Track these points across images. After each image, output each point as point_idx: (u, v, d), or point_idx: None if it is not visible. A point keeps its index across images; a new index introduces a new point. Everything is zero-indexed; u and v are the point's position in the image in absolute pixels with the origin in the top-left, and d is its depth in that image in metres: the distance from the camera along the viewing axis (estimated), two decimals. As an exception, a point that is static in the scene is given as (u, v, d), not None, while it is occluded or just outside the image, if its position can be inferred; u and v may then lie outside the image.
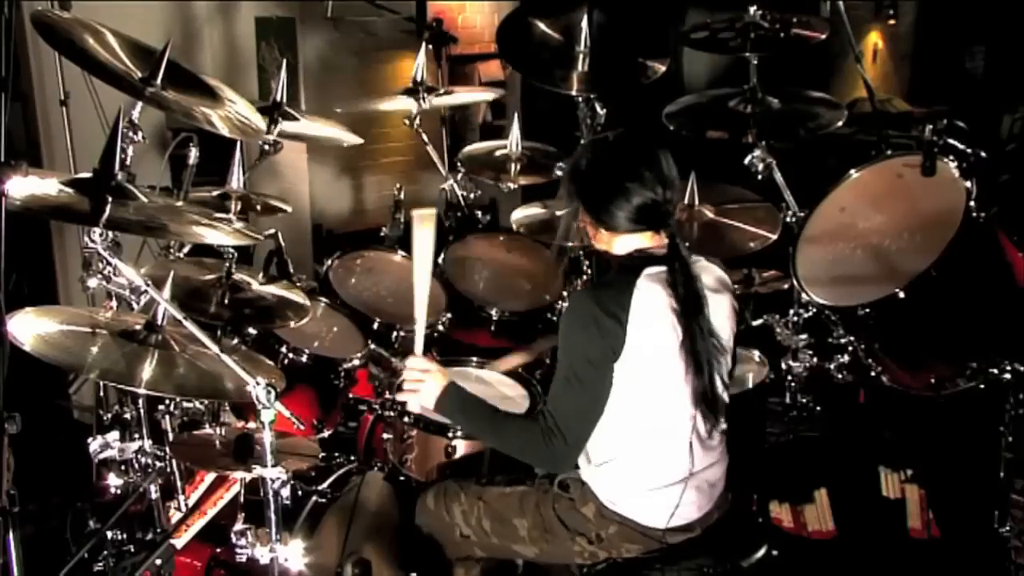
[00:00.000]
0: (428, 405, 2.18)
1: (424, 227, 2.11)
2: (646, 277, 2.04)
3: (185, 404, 2.64)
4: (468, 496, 2.30)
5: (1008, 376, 2.59)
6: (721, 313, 2.13)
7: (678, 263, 2.05)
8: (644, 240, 2.10)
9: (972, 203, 2.65)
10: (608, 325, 1.99)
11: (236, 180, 2.92)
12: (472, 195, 3.51)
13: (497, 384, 2.75)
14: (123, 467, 2.48)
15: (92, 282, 2.34)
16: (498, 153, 3.53)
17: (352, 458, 2.96)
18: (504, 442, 2.18)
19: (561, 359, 2.08)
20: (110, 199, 2.02)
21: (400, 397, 2.24)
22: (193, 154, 2.63)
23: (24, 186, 1.88)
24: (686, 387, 2.07)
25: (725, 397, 2.14)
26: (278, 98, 3.09)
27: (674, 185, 2.08)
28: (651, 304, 2.02)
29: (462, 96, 3.60)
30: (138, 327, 2.14)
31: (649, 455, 2.10)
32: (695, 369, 2.04)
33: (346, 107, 3.69)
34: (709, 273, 2.15)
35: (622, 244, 2.11)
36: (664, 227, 2.09)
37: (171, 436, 2.56)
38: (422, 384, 2.17)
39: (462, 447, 2.64)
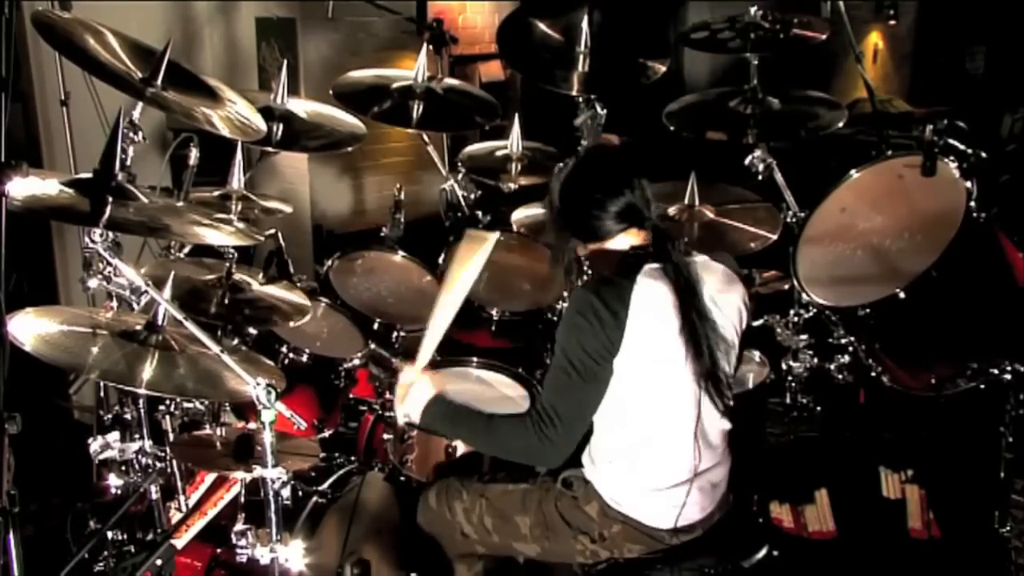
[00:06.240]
0: (414, 415, 2.22)
1: (476, 247, 2.26)
2: (646, 273, 2.06)
3: (185, 404, 2.64)
4: (470, 494, 2.31)
5: (1008, 376, 2.58)
6: (729, 310, 2.14)
7: (665, 254, 2.09)
8: (633, 238, 2.14)
9: (972, 203, 2.65)
10: (607, 320, 2.01)
11: (237, 181, 2.92)
12: (472, 195, 3.51)
13: (497, 384, 2.75)
14: (123, 467, 2.48)
15: (92, 282, 2.34)
16: (498, 153, 3.53)
17: (352, 458, 2.96)
18: (493, 445, 2.21)
19: (558, 353, 2.08)
20: (110, 199, 2.02)
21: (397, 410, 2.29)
22: (193, 154, 2.63)
23: (24, 186, 1.88)
24: (690, 380, 2.07)
25: (729, 393, 2.15)
26: (279, 99, 3.09)
27: (641, 184, 2.14)
28: (652, 299, 2.04)
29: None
30: (138, 327, 2.14)
31: (654, 455, 2.11)
32: (695, 352, 2.06)
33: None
34: (713, 273, 2.16)
35: (615, 245, 2.15)
36: (646, 222, 2.14)
37: (171, 436, 2.56)
38: (408, 395, 2.22)
39: (462, 447, 2.64)
